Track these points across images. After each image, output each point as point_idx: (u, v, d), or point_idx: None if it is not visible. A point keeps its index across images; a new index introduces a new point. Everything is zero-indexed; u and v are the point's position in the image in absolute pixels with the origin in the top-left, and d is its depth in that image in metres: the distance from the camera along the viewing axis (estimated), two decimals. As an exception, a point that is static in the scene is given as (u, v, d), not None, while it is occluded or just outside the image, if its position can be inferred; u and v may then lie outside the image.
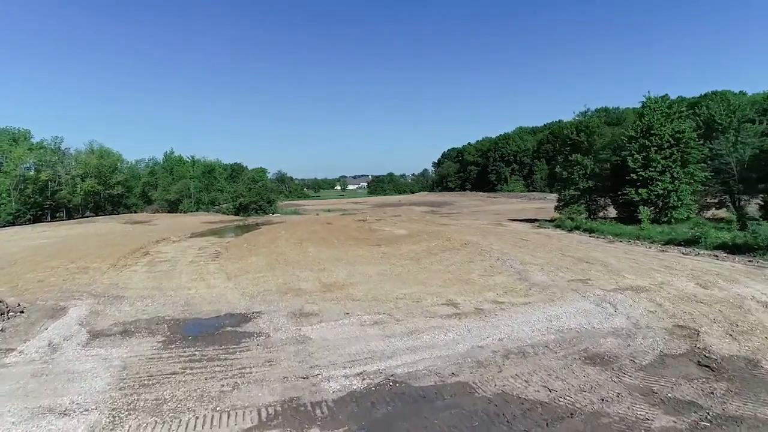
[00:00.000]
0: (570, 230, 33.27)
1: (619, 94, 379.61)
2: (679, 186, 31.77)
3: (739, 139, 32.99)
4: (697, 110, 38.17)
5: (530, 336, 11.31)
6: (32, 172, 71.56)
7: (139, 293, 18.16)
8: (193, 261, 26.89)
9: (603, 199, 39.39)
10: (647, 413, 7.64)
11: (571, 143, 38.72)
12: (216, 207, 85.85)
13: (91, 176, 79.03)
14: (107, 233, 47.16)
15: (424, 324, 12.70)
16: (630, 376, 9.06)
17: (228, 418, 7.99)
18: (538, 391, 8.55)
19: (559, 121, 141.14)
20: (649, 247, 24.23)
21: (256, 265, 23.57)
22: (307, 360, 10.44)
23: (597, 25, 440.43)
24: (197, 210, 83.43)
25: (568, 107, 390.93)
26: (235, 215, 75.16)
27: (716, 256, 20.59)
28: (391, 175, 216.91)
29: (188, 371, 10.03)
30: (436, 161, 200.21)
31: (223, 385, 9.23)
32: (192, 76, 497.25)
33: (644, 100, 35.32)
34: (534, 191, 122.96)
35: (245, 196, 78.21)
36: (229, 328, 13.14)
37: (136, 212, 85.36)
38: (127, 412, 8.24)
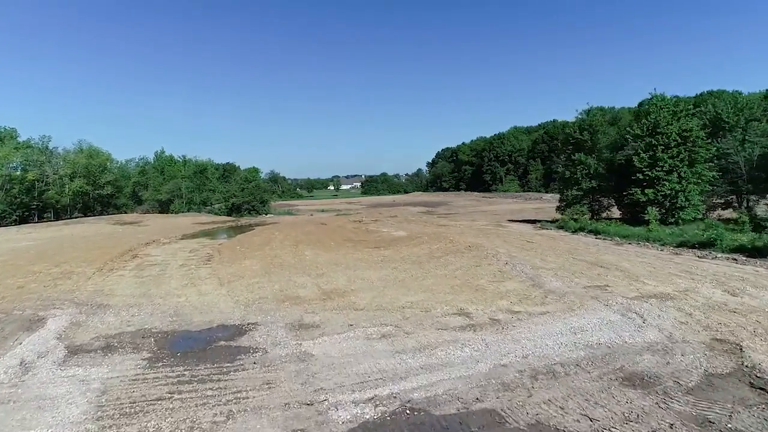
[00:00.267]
0: (574, 231, 32.30)
1: (615, 94, 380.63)
2: (686, 186, 30.86)
3: (746, 137, 32.16)
4: (703, 108, 37.31)
5: (557, 352, 10.23)
6: (19, 172, 69.65)
7: (125, 301, 16.94)
8: (184, 265, 25.66)
9: (606, 200, 38.47)
10: (711, 450, 6.58)
11: (574, 142, 37.76)
12: (208, 207, 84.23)
13: (79, 176, 77.14)
14: (95, 235, 45.71)
15: (437, 337, 11.60)
16: (678, 401, 7.99)
17: (222, 458, 6.85)
18: (577, 420, 7.46)
19: (554, 120, 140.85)
20: (661, 250, 23.27)
21: (250, 270, 22.39)
22: (310, 382, 9.30)
23: (591, 25, 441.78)
24: (189, 210, 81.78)
25: (562, 107, 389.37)
26: (228, 216, 73.68)
27: (735, 259, 19.64)
28: (384, 175, 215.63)
29: (176, 396, 8.86)
30: (430, 161, 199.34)
31: (215, 414, 8.08)
32: (184, 75, 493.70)
33: (650, 97, 34.42)
34: (529, 191, 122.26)
35: (238, 197, 76.70)
36: (222, 343, 11.97)
37: (126, 213, 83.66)
38: (103, 451, 7.08)
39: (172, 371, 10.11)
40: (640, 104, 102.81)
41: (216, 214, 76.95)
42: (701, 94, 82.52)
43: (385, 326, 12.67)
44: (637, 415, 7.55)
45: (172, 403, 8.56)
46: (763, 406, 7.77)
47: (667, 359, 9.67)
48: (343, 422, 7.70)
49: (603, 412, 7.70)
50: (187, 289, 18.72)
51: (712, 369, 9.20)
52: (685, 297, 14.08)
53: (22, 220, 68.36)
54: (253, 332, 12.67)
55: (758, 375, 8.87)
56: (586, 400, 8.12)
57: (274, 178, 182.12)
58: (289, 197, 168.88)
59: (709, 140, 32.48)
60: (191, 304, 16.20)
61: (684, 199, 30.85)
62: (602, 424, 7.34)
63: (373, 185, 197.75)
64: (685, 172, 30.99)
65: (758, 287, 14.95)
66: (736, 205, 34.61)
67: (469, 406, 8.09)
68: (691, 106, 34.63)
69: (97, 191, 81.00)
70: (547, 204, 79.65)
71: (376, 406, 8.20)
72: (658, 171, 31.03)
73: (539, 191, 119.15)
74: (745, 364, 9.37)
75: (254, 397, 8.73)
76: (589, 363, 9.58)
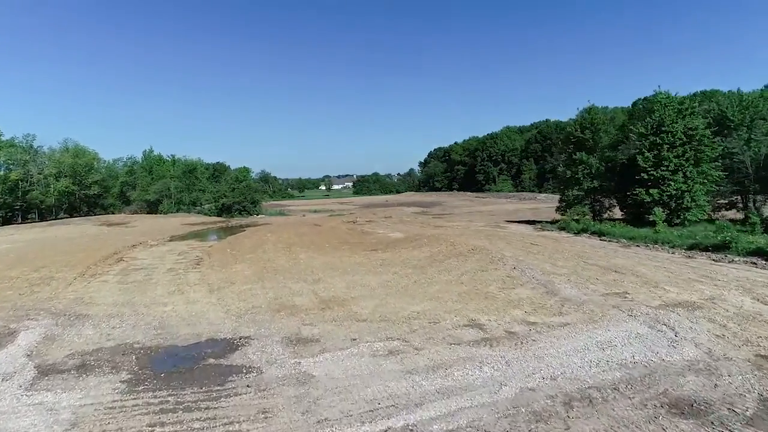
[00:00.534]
0: (577, 233, 31.34)
1: (608, 94, 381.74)
2: (692, 186, 29.98)
3: (752, 136, 31.38)
4: (707, 106, 36.54)
5: (588, 373, 9.13)
6: (1, 172, 67.80)
7: (106, 311, 15.65)
8: (172, 269, 24.35)
9: (608, 200, 37.60)
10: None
11: (575, 141, 36.84)
12: (198, 208, 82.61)
13: (65, 176, 75.29)
14: (80, 237, 44.12)
15: (450, 354, 10.47)
16: (739, 434, 6.93)
17: None
18: (630, 462, 6.36)
19: (547, 120, 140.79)
20: (672, 253, 22.32)
21: (242, 275, 21.15)
22: (312, 410, 8.13)
23: (583, 25, 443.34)
24: (178, 211, 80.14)
25: (555, 107, 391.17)
26: (218, 216, 72.17)
27: (754, 263, 18.69)
28: (376, 174, 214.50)
29: (158, 428, 7.66)
30: (422, 161, 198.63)
31: (203, 454, 6.90)
32: (173, 74, 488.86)
33: (654, 94, 33.52)
34: (523, 191, 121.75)
35: (228, 197, 75.20)
36: (211, 361, 10.76)
37: (113, 213, 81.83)
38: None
39: (155, 397, 8.90)
40: (634, 104, 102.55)
41: (206, 214, 75.39)
42: (694, 94, 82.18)
43: (392, 340, 11.52)
44: (698, 454, 6.47)
45: (152, 438, 7.37)
46: (840, 441, 6.72)
47: (714, 381, 8.61)
48: (354, 465, 6.55)
49: (657, 449, 6.61)
50: (174, 297, 17.46)
51: (767, 393, 8.15)
52: (713, 306, 13.06)
53: (5, 221, 66.51)
54: (245, 348, 11.47)
55: (822, 400, 7.83)
56: (634, 433, 7.03)
57: (265, 178, 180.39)
58: (280, 197, 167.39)
59: (715, 139, 31.65)
60: (178, 314, 14.96)
61: (690, 200, 29.98)
62: (659, 466, 6.25)
63: (365, 185, 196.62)
64: (690, 172, 30.12)
65: (789, 294, 13.99)
66: (740, 205, 33.86)
67: (499, 442, 6.97)
68: (696, 104, 33.77)
69: (83, 191, 79.12)
70: (542, 204, 78.88)
71: (391, 442, 7.06)
72: (664, 171, 30.13)
73: (533, 191, 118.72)
74: (803, 386, 8.33)
75: (248, 430, 7.55)
76: (628, 386, 8.48)
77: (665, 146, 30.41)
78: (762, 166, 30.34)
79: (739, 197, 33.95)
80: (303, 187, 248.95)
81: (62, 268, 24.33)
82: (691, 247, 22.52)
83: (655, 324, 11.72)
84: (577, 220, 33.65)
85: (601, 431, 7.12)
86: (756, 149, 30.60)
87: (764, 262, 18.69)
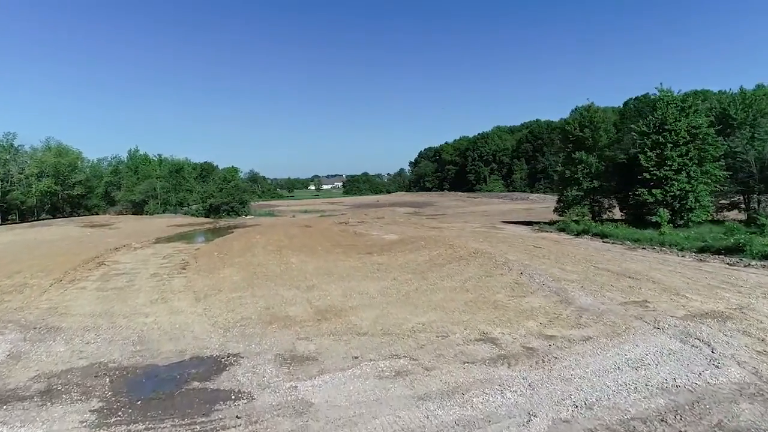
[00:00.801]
0: (577, 234, 30.43)
1: (600, 94, 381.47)
2: (696, 186, 29.15)
3: (755, 135, 30.64)
4: (709, 104, 35.82)
5: (627, 399, 8.02)
6: (-20, 172, 65.72)
7: (81, 323, 14.32)
8: (156, 274, 23.02)
9: (607, 200, 36.76)
10: None
11: (574, 139, 35.95)
12: (185, 208, 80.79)
13: (47, 176, 73.17)
14: (61, 239, 42.44)
15: (465, 375, 9.34)
16: (821, 480, 5.85)
17: None
18: None
19: (537, 120, 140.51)
20: (683, 256, 21.43)
21: (230, 281, 19.88)
22: (313, 449, 6.94)
23: (572, 25, 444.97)
24: (164, 212, 78.31)
25: (544, 106, 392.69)
26: (206, 217, 70.58)
27: (773, 267, 17.81)
28: (366, 174, 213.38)
29: (130, 476, 6.42)
30: (412, 161, 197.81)
31: None
32: (160, 73, 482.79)
33: (657, 92, 32.69)
34: (515, 191, 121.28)
35: (216, 197, 73.56)
36: (195, 384, 9.52)
37: (97, 214, 79.79)
38: None
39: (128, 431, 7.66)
40: (626, 104, 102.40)
41: (193, 215, 73.70)
42: (686, 94, 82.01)
43: (398, 358, 10.36)
44: None
45: (122, 490, 6.13)
46: None
47: (772, 409, 7.55)
48: None
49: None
50: (157, 306, 16.16)
51: (836, 424, 7.10)
52: (744, 317, 12.05)
53: (-16, 223, 64.37)
54: (234, 368, 10.23)
55: None
56: (698, 480, 5.93)
57: (254, 178, 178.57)
58: (269, 197, 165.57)
59: (719, 137, 30.86)
60: (160, 326, 13.67)
61: (694, 200, 29.16)
62: None
63: (355, 185, 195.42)
64: (694, 172, 29.30)
65: (822, 303, 13.04)
66: (743, 206, 33.17)
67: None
68: (699, 102, 32.97)
69: (66, 191, 77.01)
70: (535, 204, 78.29)
71: (410, 494, 5.90)
72: (667, 170, 29.28)
73: (524, 191, 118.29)
74: None
75: (238, 477, 6.34)
76: (677, 417, 7.38)
77: (668, 145, 29.56)
78: (767, 165, 29.59)
79: (741, 197, 33.25)
80: (292, 187, 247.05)
81: (38, 274, 22.89)
82: (701, 250, 21.63)
83: (686, 338, 10.67)
84: (577, 221, 32.75)
85: (657, 477, 6.01)
86: (760, 148, 29.87)
87: (783, 266, 17.79)
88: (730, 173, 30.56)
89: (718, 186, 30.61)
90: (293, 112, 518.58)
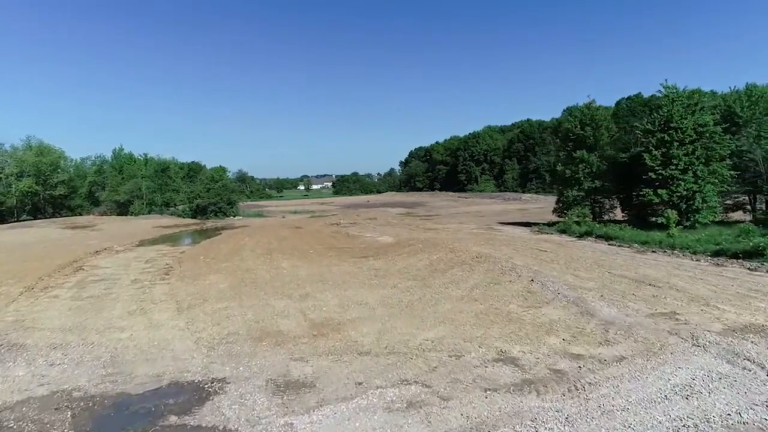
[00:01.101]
0: (580, 236, 29.30)
1: (592, 93, 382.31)
2: (703, 186, 28.13)
3: (761, 133, 29.70)
4: (715, 102, 34.85)
5: (689, 441, 6.75)
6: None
7: (48, 339, 12.82)
8: (137, 280, 21.52)
9: (609, 201, 35.70)
10: None
11: (574, 138, 34.84)
12: (171, 209, 78.72)
13: (28, 175, 70.88)
14: (39, 241, 40.58)
15: (489, 406, 8.01)
16: None
17: None
18: None
19: (528, 120, 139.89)
20: (698, 260, 20.33)
21: (216, 289, 18.41)
22: None
23: (563, 25, 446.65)
24: (150, 212, 76.20)
25: (536, 106, 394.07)
26: (193, 218, 68.70)
27: (800, 273, 16.71)
28: (356, 174, 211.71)
29: None
30: (403, 160, 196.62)
31: None
32: (146, 71, 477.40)
33: (661, 89, 31.65)
34: (506, 191, 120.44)
35: (203, 197, 71.64)
36: (173, 419, 8.10)
37: (81, 215, 77.49)
38: None
39: (87, 488, 6.23)
40: (618, 103, 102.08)
41: (180, 216, 71.74)
42: (693, 91, 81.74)
43: (408, 384, 9.01)
44: None
45: None
46: None
47: None
48: None
49: None
50: (135, 319, 14.68)
51: None
52: (788, 331, 10.85)
53: (-39, 224, 61.94)
54: (219, 397, 8.82)
55: None
56: None
57: (243, 178, 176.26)
58: (258, 198, 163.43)
59: (726, 136, 29.87)
60: (137, 343, 12.20)
61: (701, 201, 28.13)
62: None
63: (345, 185, 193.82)
64: (701, 171, 28.28)
65: None
66: (749, 206, 32.26)
67: None
68: (705, 99, 31.96)
69: (48, 192, 74.71)
70: (529, 205, 77.41)
71: None
72: (673, 170, 28.22)
73: (516, 191, 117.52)
74: None
75: None
76: (757, 467, 6.11)
77: (674, 143, 28.50)
78: (773, 164, 28.70)
79: (746, 197, 32.36)
80: (281, 187, 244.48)
81: (8, 281, 21.26)
82: (716, 254, 20.52)
83: (734, 358, 9.44)
84: (578, 223, 31.62)
85: None
86: (767, 146, 28.90)
87: (810, 271, 16.70)
88: (738, 173, 29.58)
89: (725, 186, 29.63)
90: (282, 111, 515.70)
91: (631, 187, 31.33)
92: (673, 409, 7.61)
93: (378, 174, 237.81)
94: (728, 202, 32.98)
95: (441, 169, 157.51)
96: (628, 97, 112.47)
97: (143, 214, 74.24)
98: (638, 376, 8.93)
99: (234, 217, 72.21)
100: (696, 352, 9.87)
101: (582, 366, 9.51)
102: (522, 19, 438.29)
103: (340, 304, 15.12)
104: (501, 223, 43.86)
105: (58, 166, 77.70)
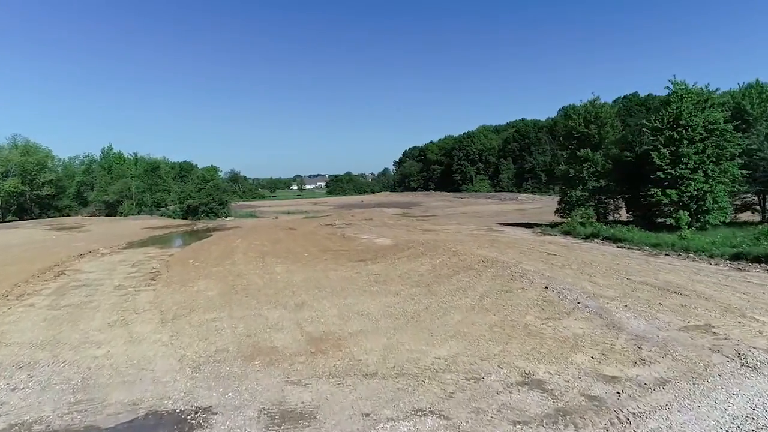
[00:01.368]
0: (586, 238, 28.21)
1: (588, 93, 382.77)
2: (714, 186, 27.11)
3: (770, 132, 28.78)
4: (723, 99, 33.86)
5: (773, 496, 5.56)
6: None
7: (15, 356, 11.50)
8: (120, 286, 20.19)
9: (613, 201, 34.66)
10: None
11: (578, 136, 33.79)
12: (161, 209, 77.06)
13: (13, 175, 69.04)
14: (22, 243, 38.99)
15: (521, 445, 6.79)
16: None
17: None
18: None
19: (523, 119, 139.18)
20: (716, 264, 19.25)
21: (204, 297, 17.11)
22: None
23: (559, 23, 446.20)
24: (139, 213, 74.55)
25: (531, 107, 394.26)
26: (183, 219, 67.11)
27: (833, 279, 15.64)
28: (350, 174, 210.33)
29: None
30: (397, 160, 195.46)
31: None
32: (136, 68, 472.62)
33: (670, 85, 30.59)
34: (502, 191, 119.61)
35: (194, 198, 70.01)
36: (147, 463, 6.82)
37: (69, 215, 75.67)
38: None
39: None
40: (614, 102, 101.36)
41: (170, 217, 70.12)
42: (702, 88, 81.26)
43: (424, 416, 7.76)
44: None
45: None
46: None
47: None
48: None
49: None
50: (114, 332, 13.36)
51: None
52: (843, 348, 9.73)
53: (-56, 226, 60.01)
54: (204, 432, 7.55)
55: None
56: None
57: (235, 178, 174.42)
58: (250, 198, 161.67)
59: (737, 134, 28.86)
60: (113, 362, 10.89)
61: (712, 201, 27.12)
62: None
63: (339, 185, 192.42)
64: (712, 170, 27.25)
65: None
66: (758, 207, 31.32)
67: None
68: (716, 95, 30.92)
69: (34, 192, 72.81)
70: (526, 205, 76.46)
71: None
72: (683, 169, 27.18)
73: (512, 191, 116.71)
74: None
75: None
76: None
77: (684, 141, 27.45)
78: (784, 163, 27.72)
79: (755, 197, 31.41)
80: (274, 187, 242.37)
81: (-19, 288, 19.81)
82: (735, 258, 19.45)
83: (793, 382, 8.28)
84: (583, 224, 30.51)
85: None
86: (776, 145, 27.98)
87: (842, 277, 15.64)
88: (749, 172, 28.58)
89: (736, 186, 28.64)
90: (275, 111, 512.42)
91: (637, 186, 30.30)
92: (741, 450, 6.43)
93: (372, 174, 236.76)
94: (737, 202, 32.03)
95: (435, 169, 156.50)
96: (625, 96, 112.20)
97: (133, 214, 72.60)
98: (688, 405, 7.74)
99: (226, 217, 70.69)
100: (747, 375, 8.70)
101: (621, 392, 8.31)
102: (517, 19, 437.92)
103: (340, 315, 13.87)
104: (500, 224, 42.75)
105: (45, 166, 75.82)
